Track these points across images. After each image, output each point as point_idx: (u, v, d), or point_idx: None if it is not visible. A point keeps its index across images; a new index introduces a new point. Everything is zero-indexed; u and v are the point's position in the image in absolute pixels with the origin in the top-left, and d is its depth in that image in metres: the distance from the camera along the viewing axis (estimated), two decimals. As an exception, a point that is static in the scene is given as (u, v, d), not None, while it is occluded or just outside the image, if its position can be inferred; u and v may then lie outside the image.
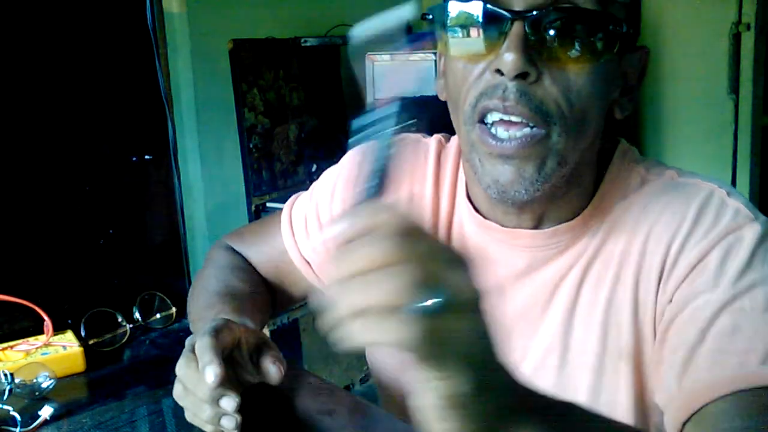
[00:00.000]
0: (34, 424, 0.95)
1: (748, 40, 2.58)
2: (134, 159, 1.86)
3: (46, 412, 0.97)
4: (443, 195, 0.85)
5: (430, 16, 0.71)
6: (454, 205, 0.84)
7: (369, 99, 2.48)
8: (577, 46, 0.65)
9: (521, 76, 0.64)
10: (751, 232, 0.69)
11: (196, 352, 0.70)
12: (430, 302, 0.40)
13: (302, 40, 2.35)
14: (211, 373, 0.67)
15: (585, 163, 0.73)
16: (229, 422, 0.70)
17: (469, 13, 0.67)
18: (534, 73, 0.65)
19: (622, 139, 0.80)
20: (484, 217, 0.79)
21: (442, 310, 0.41)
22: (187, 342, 0.74)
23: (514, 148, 0.66)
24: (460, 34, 0.68)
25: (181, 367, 0.71)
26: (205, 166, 2.19)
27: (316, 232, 0.94)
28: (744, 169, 2.67)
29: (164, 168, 1.86)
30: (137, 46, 1.76)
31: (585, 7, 0.65)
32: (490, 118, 0.67)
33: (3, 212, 1.53)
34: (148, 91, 1.78)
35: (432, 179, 0.86)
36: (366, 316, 0.41)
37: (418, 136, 0.92)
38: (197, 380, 0.69)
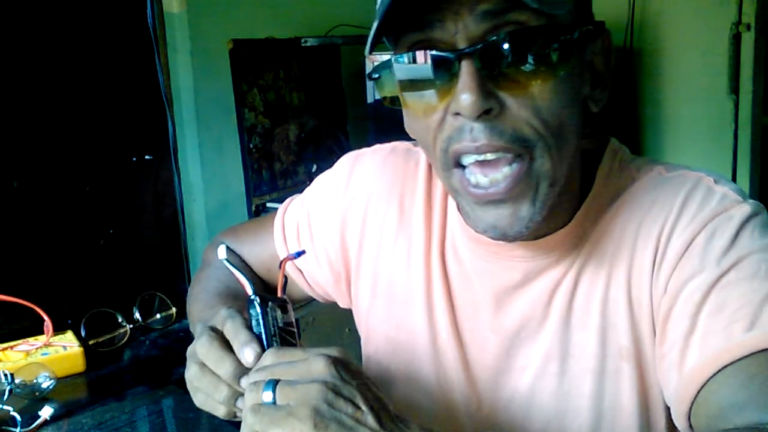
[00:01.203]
0: (34, 424, 0.95)
1: (748, 40, 2.58)
2: (134, 159, 1.86)
3: (46, 412, 0.97)
4: (435, 208, 0.83)
5: (377, 75, 0.68)
6: (446, 218, 0.83)
7: (369, 99, 2.48)
8: (533, 66, 0.62)
9: (484, 113, 0.62)
10: (739, 213, 0.68)
11: (228, 332, 0.67)
12: None
13: (302, 40, 2.35)
14: (251, 351, 0.64)
15: (571, 169, 0.71)
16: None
17: (414, 64, 0.64)
18: (496, 106, 0.62)
19: (612, 138, 0.78)
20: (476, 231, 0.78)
21: None
22: (202, 326, 0.70)
23: (502, 191, 0.64)
24: (410, 86, 0.66)
25: (203, 346, 0.67)
26: (205, 166, 2.19)
27: (307, 242, 0.93)
28: (744, 168, 2.67)
29: (164, 168, 1.86)
30: (137, 46, 1.76)
31: (530, 25, 0.62)
32: (465, 160, 0.65)
33: (3, 213, 1.53)
34: (148, 91, 1.79)
35: (423, 190, 0.84)
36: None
37: (409, 144, 0.90)
38: (219, 359, 0.66)
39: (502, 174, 0.64)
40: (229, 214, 2.24)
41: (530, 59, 0.62)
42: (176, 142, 1.82)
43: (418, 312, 0.82)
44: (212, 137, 2.20)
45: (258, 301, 0.67)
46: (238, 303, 0.87)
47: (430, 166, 0.86)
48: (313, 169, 2.41)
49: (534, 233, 0.72)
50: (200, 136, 2.17)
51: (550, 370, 0.75)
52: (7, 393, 0.99)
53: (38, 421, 0.96)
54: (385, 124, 2.45)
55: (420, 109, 0.66)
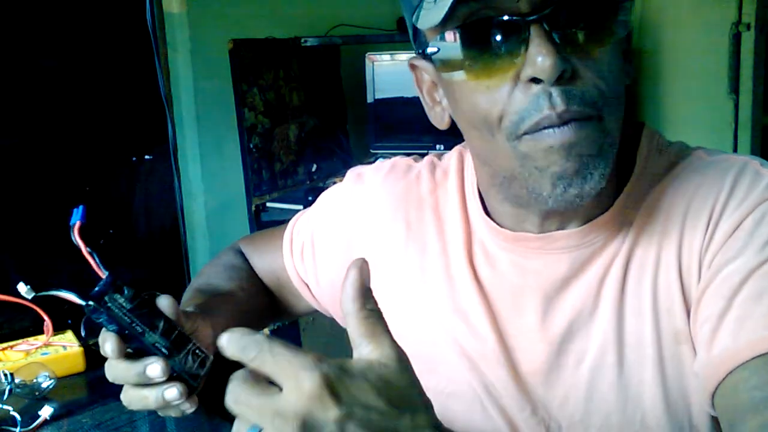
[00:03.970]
0: (34, 424, 0.95)
1: (748, 40, 2.57)
2: (134, 159, 1.86)
3: (46, 412, 0.97)
4: (449, 217, 0.82)
5: (436, 49, 0.66)
6: (469, 225, 0.80)
7: (369, 99, 2.48)
8: (600, 28, 0.64)
9: (560, 76, 0.62)
10: None
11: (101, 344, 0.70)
12: None
13: (302, 40, 2.35)
14: (108, 346, 0.69)
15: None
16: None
17: (479, 33, 0.63)
18: (569, 68, 0.62)
19: (645, 123, 0.78)
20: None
21: None
22: None
23: (573, 131, 0.63)
24: (474, 59, 0.65)
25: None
26: (205, 166, 2.19)
27: (310, 260, 0.92)
28: (744, 168, 2.67)
29: (164, 168, 1.86)
30: (137, 46, 1.76)
31: None
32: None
33: (3, 212, 1.53)
34: (148, 91, 1.79)
35: (431, 202, 0.83)
36: None
37: (409, 160, 0.89)
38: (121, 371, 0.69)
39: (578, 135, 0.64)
40: (229, 214, 2.24)
41: (597, 21, 0.63)
42: (176, 142, 1.82)
43: (451, 325, 0.79)
44: (212, 137, 2.20)
45: (92, 302, 0.64)
46: (205, 297, 0.84)
47: (434, 176, 0.84)
48: (313, 169, 2.41)
49: (586, 213, 0.72)
50: (200, 136, 2.17)
51: (608, 362, 0.73)
52: (6, 393, 0.99)
53: (38, 421, 0.96)
54: (385, 124, 2.45)
55: (482, 83, 0.65)
